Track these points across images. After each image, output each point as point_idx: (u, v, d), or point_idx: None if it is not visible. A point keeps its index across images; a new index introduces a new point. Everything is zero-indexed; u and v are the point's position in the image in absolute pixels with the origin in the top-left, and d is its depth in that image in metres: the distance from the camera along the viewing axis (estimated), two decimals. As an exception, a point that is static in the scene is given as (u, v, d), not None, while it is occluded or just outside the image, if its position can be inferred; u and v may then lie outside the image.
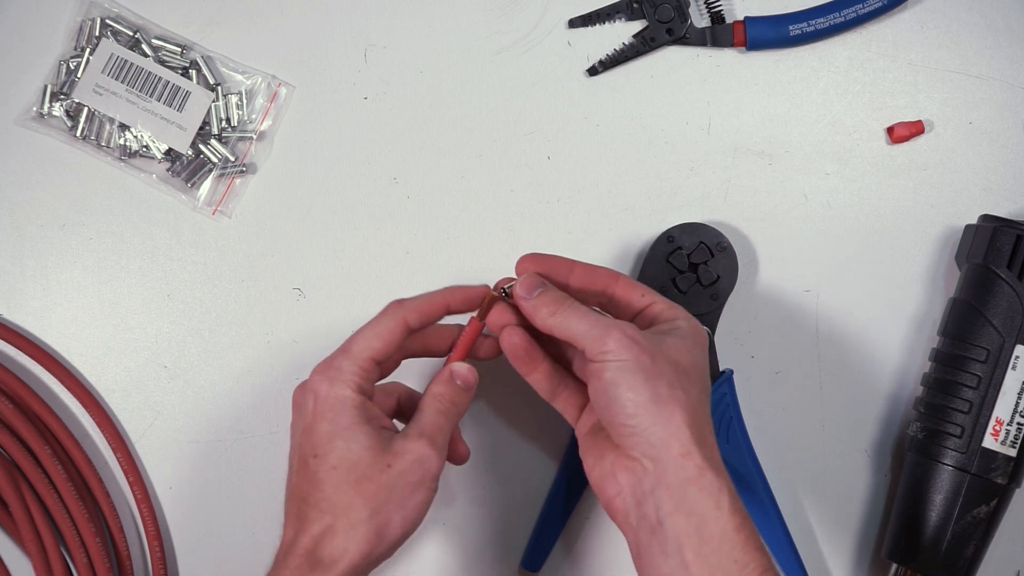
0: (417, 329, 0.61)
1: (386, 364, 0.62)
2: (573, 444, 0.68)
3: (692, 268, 0.70)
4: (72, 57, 0.73)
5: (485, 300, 0.62)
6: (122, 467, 0.71)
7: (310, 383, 0.59)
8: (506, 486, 0.72)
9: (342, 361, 0.59)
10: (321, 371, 0.59)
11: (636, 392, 0.54)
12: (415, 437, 0.58)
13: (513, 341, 0.61)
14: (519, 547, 0.71)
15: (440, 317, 0.62)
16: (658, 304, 0.60)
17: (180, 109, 0.73)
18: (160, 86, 0.73)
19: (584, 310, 0.58)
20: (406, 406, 0.63)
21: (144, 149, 0.73)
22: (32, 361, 0.72)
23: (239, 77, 0.74)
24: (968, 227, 0.70)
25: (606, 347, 0.55)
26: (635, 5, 0.73)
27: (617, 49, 0.73)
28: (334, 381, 0.58)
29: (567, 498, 0.69)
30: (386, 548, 0.56)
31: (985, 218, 0.69)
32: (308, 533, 0.56)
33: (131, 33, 0.73)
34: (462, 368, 0.62)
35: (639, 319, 0.61)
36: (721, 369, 0.69)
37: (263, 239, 0.73)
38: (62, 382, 0.72)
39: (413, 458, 0.57)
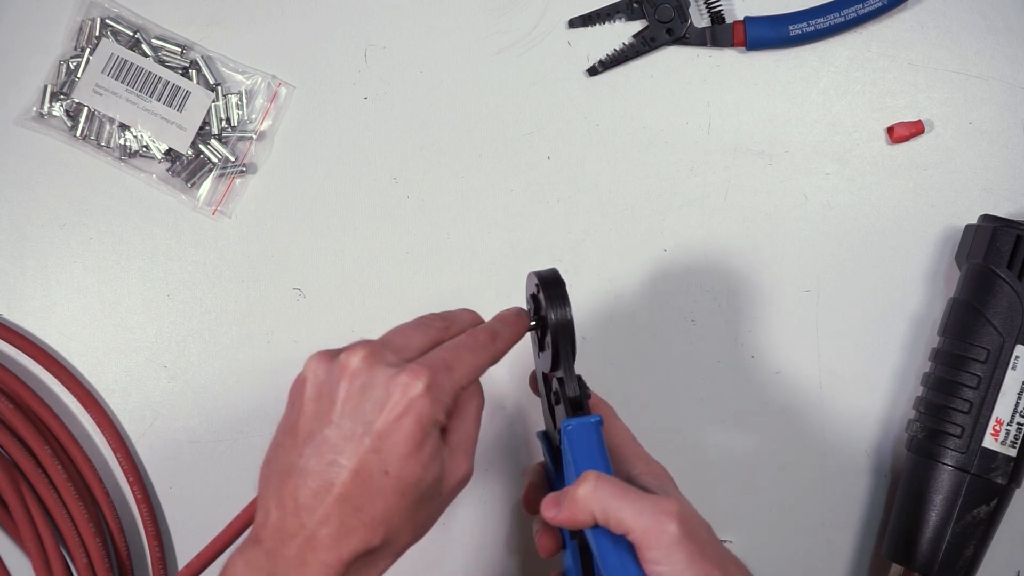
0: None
1: None
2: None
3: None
4: (72, 57, 0.73)
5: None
6: (122, 467, 0.71)
7: (409, 386, 0.52)
8: (506, 486, 0.72)
9: (446, 380, 0.53)
10: (429, 385, 0.52)
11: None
12: (463, 457, 0.54)
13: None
14: (517, 548, 0.71)
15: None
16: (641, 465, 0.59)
17: (180, 109, 0.73)
18: (160, 86, 0.73)
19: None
20: None
21: (144, 149, 0.73)
22: (32, 361, 0.72)
23: (239, 77, 0.74)
24: (968, 227, 0.70)
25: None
26: (635, 5, 0.73)
27: (617, 49, 0.74)
28: (437, 402, 0.52)
29: None
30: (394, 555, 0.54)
31: (985, 218, 0.69)
32: (345, 545, 0.51)
33: (131, 33, 0.73)
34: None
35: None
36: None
37: (263, 239, 0.73)
38: (62, 382, 0.72)
39: (461, 479, 0.54)
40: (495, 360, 0.57)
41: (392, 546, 0.53)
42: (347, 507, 0.51)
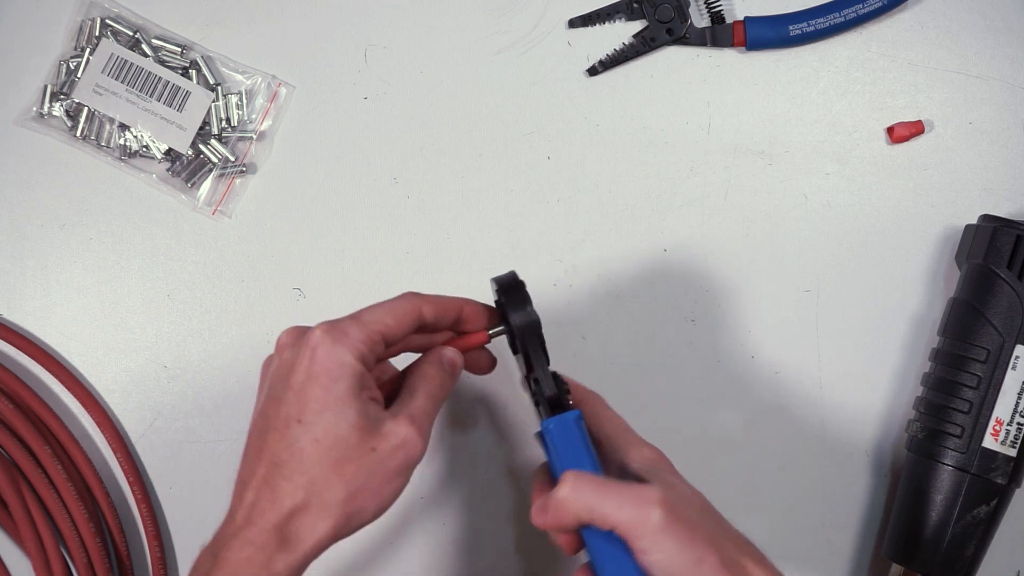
0: (427, 324, 0.58)
1: (389, 349, 0.58)
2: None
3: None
4: (72, 57, 0.73)
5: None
6: (122, 467, 0.71)
7: (312, 337, 0.54)
8: (503, 488, 0.72)
9: (350, 325, 0.55)
10: (328, 329, 0.55)
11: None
12: (405, 421, 0.54)
13: None
14: (525, 548, 0.71)
15: (452, 321, 0.60)
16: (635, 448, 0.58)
17: (180, 109, 0.73)
18: (160, 86, 0.73)
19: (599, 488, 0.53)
20: (391, 387, 0.60)
21: (144, 149, 0.73)
22: (32, 361, 0.72)
23: (239, 77, 0.74)
24: (968, 227, 0.70)
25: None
26: (635, 5, 0.73)
27: (617, 49, 0.73)
28: (338, 342, 0.54)
29: None
30: (352, 530, 0.54)
31: (985, 218, 0.69)
32: (278, 506, 0.53)
33: (131, 33, 0.73)
34: (452, 352, 0.59)
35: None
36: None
37: (263, 239, 0.73)
38: (62, 382, 0.72)
39: (398, 443, 0.54)
40: (416, 316, 0.57)
41: (323, 501, 0.52)
42: (272, 465, 0.53)
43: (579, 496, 0.52)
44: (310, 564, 0.53)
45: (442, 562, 0.72)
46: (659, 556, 0.50)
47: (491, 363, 0.62)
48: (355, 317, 0.56)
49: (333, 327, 0.55)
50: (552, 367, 0.58)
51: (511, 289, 0.58)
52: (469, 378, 0.71)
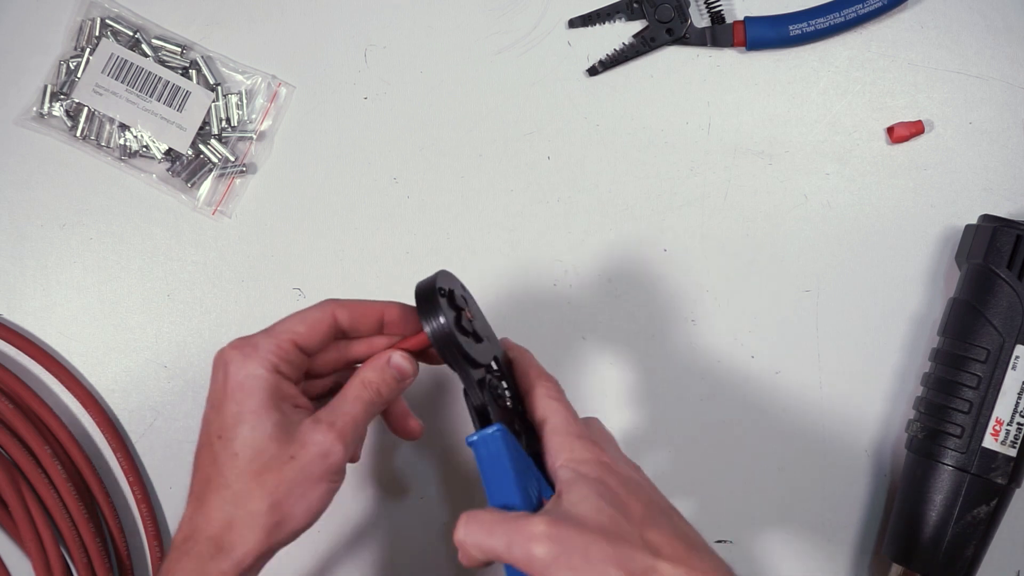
0: (346, 330, 0.58)
1: (314, 363, 0.59)
2: None
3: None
4: (72, 57, 0.73)
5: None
6: (122, 467, 0.71)
7: (224, 355, 0.56)
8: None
9: (260, 338, 0.56)
10: (237, 346, 0.56)
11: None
12: (324, 428, 0.55)
13: None
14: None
15: (374, 326, 0.59)
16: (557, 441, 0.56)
17: (180, 109, 0.73)
18: (160, 86, 0.73)
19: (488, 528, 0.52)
20: (341, 386, 0.59)
21: (144, 149, 0.73)
22: (32, 361, 0.72)
23: (239, 77, 0.74)
24: (968, 227, 0.70)
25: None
26: (635, 5, 0.73)
27: (617, 49, 0.74)
28: (248, 357, 0.55)
29: None
30: (285, 538, 0.55)
31: (985, 218, 0.69)
32: (209, 521, 0.54)
33: (131, 33, 0.73)
34: (401, 359, 0.58)
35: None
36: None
37: (263, 239, 0.73)
38: (62, 382, 0.72)
39: (317, 451, 0.54)
40: (330, 322, 0.58)
41: (249, 513, 0.53)
42: (203, 482, 0.55)
43: (472, 539, 0.52)
44: (249, 570, 0.54)
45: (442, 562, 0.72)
46: None
47: (419, 429, 0.62)
48: (266, 330, 0.57)
49: (243, 342, 0.56)
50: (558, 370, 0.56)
51: (422, 299, 0.56)
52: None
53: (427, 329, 0.55)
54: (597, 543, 0.50)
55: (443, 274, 0.58)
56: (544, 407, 0.57)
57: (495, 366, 0.59)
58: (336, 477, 0.55)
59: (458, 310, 0.57)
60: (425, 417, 0.72)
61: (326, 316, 0.58)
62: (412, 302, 0.57)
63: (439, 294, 0.56)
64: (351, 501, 0.71)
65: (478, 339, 0.58)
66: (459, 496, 0.71)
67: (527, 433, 0.57)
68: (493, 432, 0.54)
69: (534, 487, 0.55)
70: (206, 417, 0.56)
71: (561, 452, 0.55)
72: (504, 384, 0.59)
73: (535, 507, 0.54)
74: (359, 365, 0.59)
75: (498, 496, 0.54)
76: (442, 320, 0.55)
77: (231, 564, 0.53)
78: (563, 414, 0.57)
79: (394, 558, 0.71)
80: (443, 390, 0.72)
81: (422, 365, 0.60)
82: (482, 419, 0.56)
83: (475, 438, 0.55)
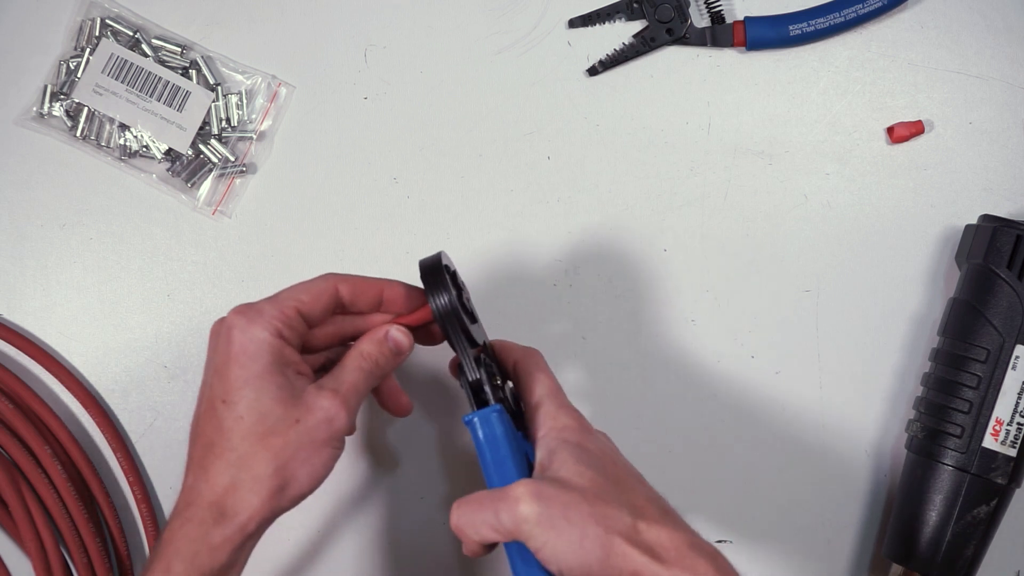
0: (346, 304, 0.59)
1: (311, 337, 0.59)
2: None
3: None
4: (72, 57, 0.73)
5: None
6: (122, 467, 0.71)
7: (227, 321, 0.57)
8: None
9: (264, 304, 0.57)
10: (241, 311, 0.57)
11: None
12: (329, 394, 0.56)
13: None
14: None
15: (373, 302, 0.60)
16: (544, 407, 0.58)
17: (180, 109, 0.73)
18: (160, 86, 0.73)
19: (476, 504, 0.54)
20: (333, 363, 0.60)
21: (144, 149, 0.73)
22: (32, 361, 0.72)
23: (239, 77, 0.74)
24: (968, 227, 0.70)
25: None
26: (635, 5, 0.73)
27: (617, 49, 0.73)
28: (252, 322, 0.56)
29: None
30: (289, 502, 0.55)
31: (985, 218, 0.69)
32: (212, 486, 0.54)
33: (131, 33, 0.73)
34: (399, 332, 0.59)
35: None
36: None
37: (263, 239, 0.73)
38: (62, 382, 0.71)
39: (322, 416, 0.55)
40: (332, 293, 0.58)
41: (254, 476, 0.54)
42: (205, 447, 0.55)
43: (465, 519, 0.53)
44: (251, 536, 0.54)
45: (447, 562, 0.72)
46: (545, 547, 0.51)
47: (410, 406, 0.64)
48: (270, 297, 0.58)
49: (247, 307, 0.57)
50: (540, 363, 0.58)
51: (429, 273, 0.58)
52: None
53: (433, 304, 0.57)
54: (578, 503, 0.51)
55: (444, 254, 0.59)
56: (530, 376, 0.59)
57: (485, 351, 0.60)
58: (339, 443, 0.56)
59: (459, 289, 0.59)
60: (430, 414, 0.72)
61: (328, 287, 0.59)
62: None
63: (445, 271, 0.58)
64: (349, 507, 0.71)
65: (474, 319, 0.60)
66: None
67: (515, 414, 0.59)
68: (490, 411, 0.56)
69: (527, 465, 0.56)
70: (207, 383, 0.56)
71: (545, 421, 0.57)
72: (495, 365, 0.60)
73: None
74: (353, 342, 0.60)
75: (495, 473, 0.55)
76: (447, 297, 0.57)
77: (234, 529, 0.54)
78: (547, 384, 0.59)
79: (396, 555, 0.71)
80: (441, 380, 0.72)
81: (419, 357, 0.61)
82: (477, 398, 0.58)
83: (472, 417, 0.56)
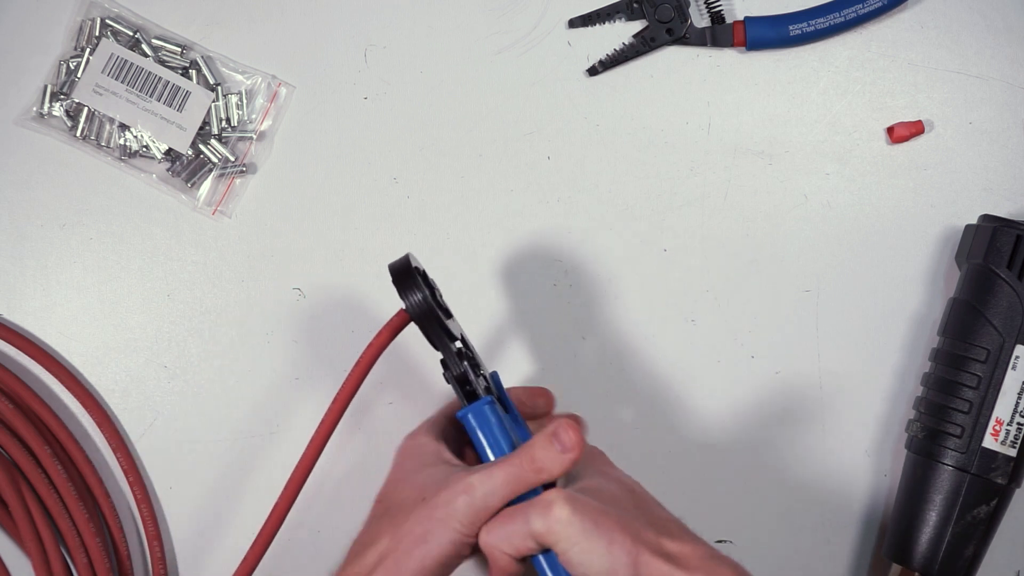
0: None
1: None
2: None
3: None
4: (72, 57, 0.73)
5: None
6: (122, 467, 0.71)
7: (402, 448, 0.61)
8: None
9: (425, 423, 0.62)
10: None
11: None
12: (457, 479, 0.56)
13: None
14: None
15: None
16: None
17: (180, 109, 0.73)
18: (160, 86, 0.73)
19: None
20: None
21: (144, 149, 0.73)
22: (32, 361, 0.72)
23: (239, 77, 0.74)
24: (968, 227, 0.70)
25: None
26: (635, 5, 0.73)
27: (617, 49, 0.73)
28: (412, 433, 0.61)
29: None
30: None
31: (985, 218, 0.69)
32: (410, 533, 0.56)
33: (131, 33, 0.73)
34: (571, 434, 0.55)
35: None
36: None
37: (263, 239, 0.73)
38: (62, 382, 0.72)
39: (446, 498, 0.55)
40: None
41: (383, 557, 0.54)
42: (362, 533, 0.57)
43: (495, 534, 0.54)
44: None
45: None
46: (573, 549, 0.52)
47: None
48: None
49: (417, 428, 0.61)
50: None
51: (399, 275, 0.58)
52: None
53: (407, 304, 0.57)
54: (607, 512, 0.53)
55: (412, 255, 0.59)
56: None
57: (464, 345, 0.61)
58: (453, 536, 0.55)
59: (431, 288, 0.59)
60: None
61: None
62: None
63: (416, 272, 0.58)
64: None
65: (448, 315, 0.60)
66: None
67: (499, 400, 0.60)
68: (482, 404, 0.57)
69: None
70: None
71: None
72: (476, 356, 0.61)
73: None
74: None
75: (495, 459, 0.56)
76: (421, 295, 0.57)
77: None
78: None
79: None
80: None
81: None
82: (465, 391, 0.58)
83: (466, 412, 0.57)
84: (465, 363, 0.58)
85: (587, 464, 0.58)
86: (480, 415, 0.57)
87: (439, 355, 0.59)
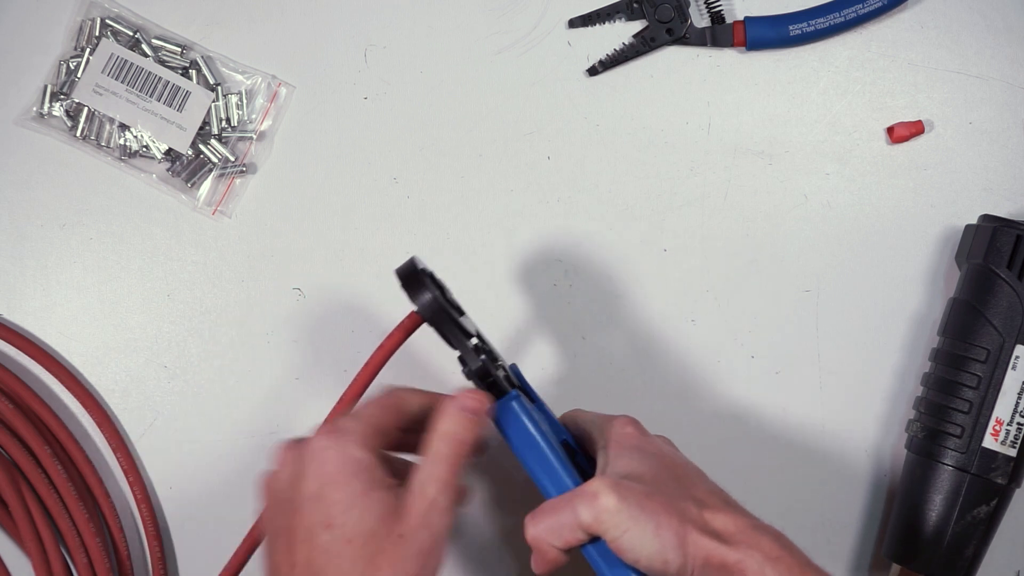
0: (419, 420, 0.57)
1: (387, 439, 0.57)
2: None
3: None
4: (72, 57, 0.73)
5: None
6: (122, 467, 0.71)
7: (314, 443, 0.54)
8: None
9: (347, 422, 0.55)
10: (327, 432, 0.54)
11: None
12: (420, 499, 0.53)
13: None
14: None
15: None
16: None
17: (180, 109, 0.73)
18: (160, 86, 0.73)
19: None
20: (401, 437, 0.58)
21: (144, 149, 0.73)
22: (32, 361, 0.72)
23: (239, 77, 0.74)
24: (968, 227, 0.70)
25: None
26: (635, 5, 0.73)
27: (617, 49, 0.74)
28: (345, 441, 0.53)
29: None
30: None
31: (985, 218, 0.69)
32: None
33: (131, 33, 0.73)
34: (467, 396, 0.56)
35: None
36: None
37: (263, 239, 0.73)
38: (62, 382, 0.72)
39: (419, 522, 0.52)
40: (399, 405, 0.57)
41: None
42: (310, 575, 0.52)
43: (542, 527, 0.55)
44: None
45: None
46: (623, 536, 0.53)
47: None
48: (349, 415, 0.56)
49: (332, 428, 0.54)
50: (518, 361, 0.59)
51: (405, 279, 0.58)
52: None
53: (418, 305, 0.57)
54: (652, 495, 0.54)
55: (417, 258, 0.59)
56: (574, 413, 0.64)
57: (480, 340, 0.60)
58: (443, 543, 0.54)
59: (440, 287, 0.59)
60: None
61: (393, 400, 0.58)
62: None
63: (423, 273, 0.58)
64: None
65: (460, 312, 0.60)
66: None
67: (523, 391, 0.60)
68: (509, 399, 0.57)
69: (556, 437, 0.58)
70: (295, 509, 0.53)
71: (604, 432, 0.60)
72: (494, 351, 0.61)
73: (566, 453, 0.58)
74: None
75: (530, 457, 0.57)
76: (431, 295, 0.57)
77: None
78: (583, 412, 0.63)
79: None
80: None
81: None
82: (488, 387, 0.58)
83: (497, 411, 0.57)
84: (483, 357, 0.57)
85: (625, 445, 0.58)
86: (508, 411, 0.57)
87: (456, 354, 0.58)
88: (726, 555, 0.53)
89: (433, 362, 0.71)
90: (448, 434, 0.55)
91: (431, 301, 0.57)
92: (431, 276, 0.59)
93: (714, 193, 0.73)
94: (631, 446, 0.58)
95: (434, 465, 0.54)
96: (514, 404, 0.57)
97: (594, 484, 0.54)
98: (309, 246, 0.73)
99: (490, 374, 0.57)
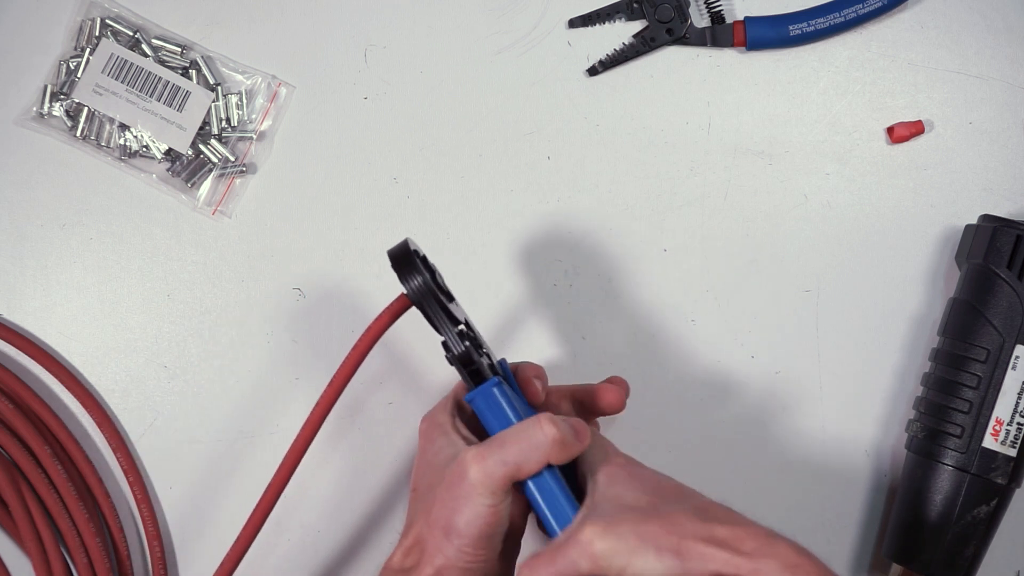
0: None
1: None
2: None
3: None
4: (72, 57, 0.73)
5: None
6: (122, 467, 0.71)
7: (466, 465, 0.55)
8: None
9: (437, 408, 0.61)
10: (477, 458, 0.55)
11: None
12: (456, 462, 0.56)
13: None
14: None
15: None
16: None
17: (180, 109, 0.73)
18: (160, 86, 0.73)
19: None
20: None
21: (144, 149, 0.73)
22: (32, 361, 0.72)
23: (239, 77, 0.74)
24: (968, 227, 0.70)
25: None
26: (635, 5, 0.73)
27: (617, 49, 0.74)
28: (435, 411, 0.61)
29: None
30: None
31: (985, 218, 0.69)
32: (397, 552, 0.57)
33: (131, 33, 0.73)
34: (582, 429, 0.57)
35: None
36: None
37: (263, 239, 0.73)
38: (62, 382, 0.72)
39: (444, 485, 0.56)
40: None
41: (419, 541, 0.55)
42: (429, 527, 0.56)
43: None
44: None
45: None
46: (628, 570, 0.51)
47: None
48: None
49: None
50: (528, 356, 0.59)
51: (398, 259, 0.58)
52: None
53: (407, 288, 0.57)
54: (646, 519, 0.52)
55: (410, 240, 0.59)
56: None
57: (467, 328, 0.60)
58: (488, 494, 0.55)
59: (431, 271, 0.59)
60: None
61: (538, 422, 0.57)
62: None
63: (415, 255, 0.58)
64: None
65: (450, 298, 0.60)
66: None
67: (506, 380, 0.59)
68: (489, 385, 0.57)
69: None
70: (436, 482, 0.57)
71: (597, 458, 0.57)
72: (480, 338, 0.61)
73: None
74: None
75: None
76: (421, 278, 0.57)
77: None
78: (596, 435, 0.61)
79: None
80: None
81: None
82: (471, 373, 0.57)
83: (474, 395, 0.57)
84: (467, 343, 0.57)
85: (617, 471, 0.56)
86: (489, 396, 0.56)
87: (440, 339, 0.58)
88: (740, 565, 0.50)
89: (432, 360, 0.71)
90: (540, 423, 0.55)
91: (420, 284, 0.57)
92: (423, 259, 0.59)
93: (714, 193, 0.73)
94: (625, 470, 0.57)
95: (504, 432, 0.55)
96: (495, 390, 0.56)
97: (586, 532, 0.52)
98: (309, 246, 0.73)
99: (473, 361, 0.57)
